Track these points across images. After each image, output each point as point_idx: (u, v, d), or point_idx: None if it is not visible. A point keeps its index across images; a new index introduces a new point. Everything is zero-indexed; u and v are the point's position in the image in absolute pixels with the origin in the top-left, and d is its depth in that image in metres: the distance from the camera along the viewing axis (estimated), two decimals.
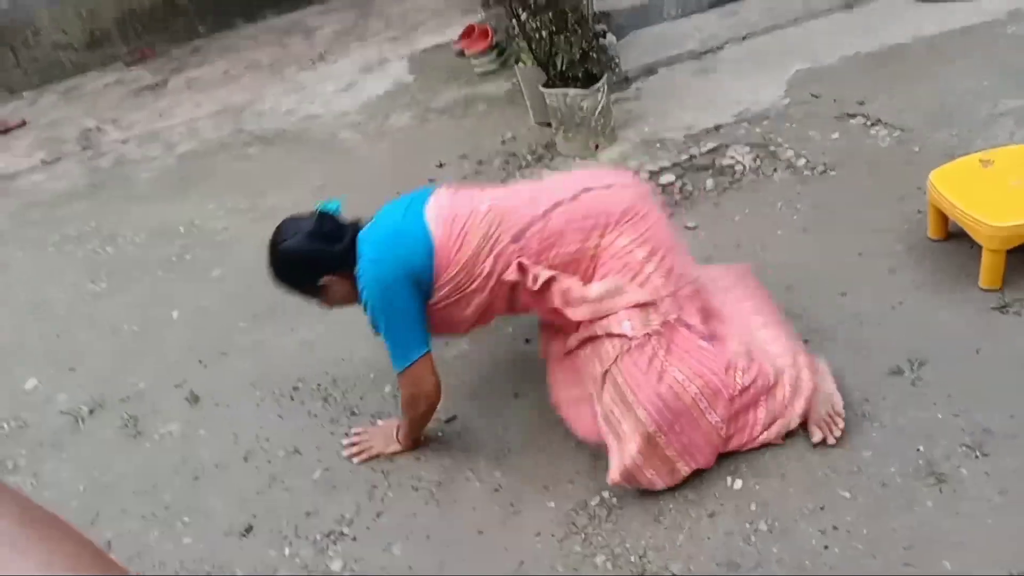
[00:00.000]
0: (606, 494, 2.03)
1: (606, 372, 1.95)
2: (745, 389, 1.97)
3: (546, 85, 3.42)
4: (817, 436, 2.00)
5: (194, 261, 3.51)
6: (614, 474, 1.95)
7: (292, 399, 2.61)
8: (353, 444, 2.35)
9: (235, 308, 3.12)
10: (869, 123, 3.18)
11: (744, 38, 4.00)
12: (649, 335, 1.92)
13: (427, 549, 2.03)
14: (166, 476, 2.45)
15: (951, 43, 3.55)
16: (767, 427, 2.01)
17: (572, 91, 3.31)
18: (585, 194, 2.02)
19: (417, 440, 2.29)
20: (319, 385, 2.64)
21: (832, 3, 4.05)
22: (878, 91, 3.34)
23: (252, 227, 3.63)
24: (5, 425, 2.83)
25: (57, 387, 2.95)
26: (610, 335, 1.94)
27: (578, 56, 3.31)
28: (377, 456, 2.30)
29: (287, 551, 2.12)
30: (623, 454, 1.93)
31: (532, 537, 1.98)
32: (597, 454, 2.13)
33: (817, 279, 2.51)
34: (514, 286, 2.01)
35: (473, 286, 1.99)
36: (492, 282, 1.99)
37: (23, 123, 5.29)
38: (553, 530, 1.99)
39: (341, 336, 2.80)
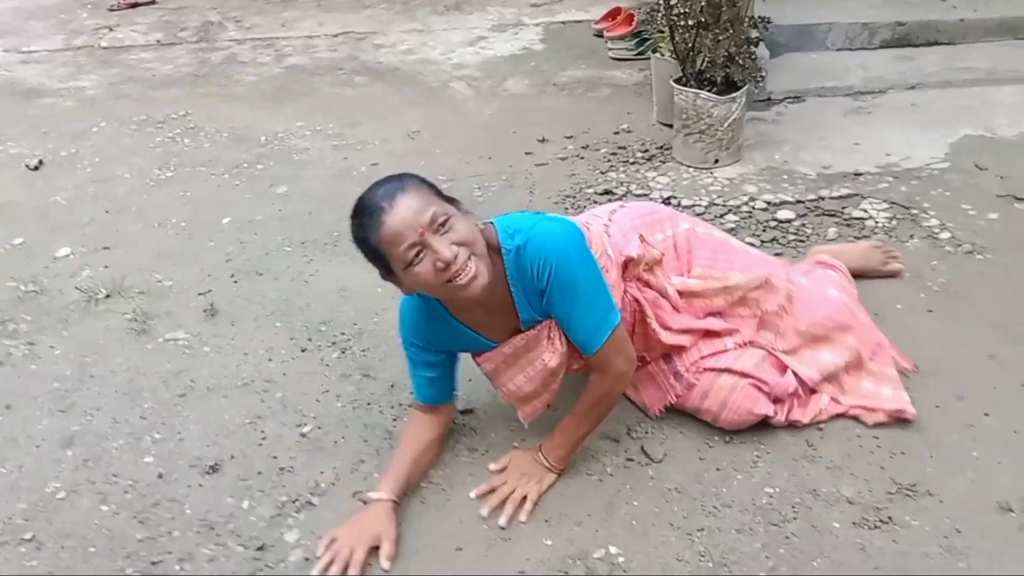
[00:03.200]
0: (614, 550, 1.69)
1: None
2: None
3: (678, 81, 3.06)
4: (896, 265, 2.42)
5: (264, 173, 3.31)
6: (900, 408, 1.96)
7: (310, 340, 2.36)
8: (494, 501, 1.81)
9: (287, 230, 2.90)
10: None
11: (913, 87, 3.53)
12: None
13: None
14: (154, 384, 2.24)
15: None
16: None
17: (705, 94, 2.95)
18: (628, 202, 2.24)
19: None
20: (342, 334, 2.38)
21: None
22: None
23: (332, 154, 3.42)
24: (22, 287, 2.67)
25: (85, 262, 2.79)
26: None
27: (722, 58, 2.94)
28: (538, 499, 1.82)
29: (246, 504, 1.86)
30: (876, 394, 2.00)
31: (513, 573, 1.67)
32: (616, 501, 1.80)
33: (931, 371, 2.10)
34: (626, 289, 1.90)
35: (611, 278, 1.82)
36: (619, 268, 1.87)
37: (153, 1, 5.23)
38: (540, 572, 1.66)
39: (383, 290, 2.54)
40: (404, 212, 1.51)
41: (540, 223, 1.69)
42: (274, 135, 3.58)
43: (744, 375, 1.91)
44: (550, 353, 1.79)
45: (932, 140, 3.17)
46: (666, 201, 2.89)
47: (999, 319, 2.25)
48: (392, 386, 2.17)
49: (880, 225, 2.71)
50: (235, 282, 2.65)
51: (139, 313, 2.49)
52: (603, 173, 3.11)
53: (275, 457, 1.98)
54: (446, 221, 1.54)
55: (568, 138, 3.37)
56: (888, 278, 2.41)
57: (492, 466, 1.90)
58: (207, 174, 3.32)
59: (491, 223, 1.71)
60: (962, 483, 1.80)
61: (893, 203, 2.81)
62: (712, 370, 1.93)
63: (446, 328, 1.79)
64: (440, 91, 3.93)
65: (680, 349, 1.95)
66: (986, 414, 1.97)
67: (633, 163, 3.16)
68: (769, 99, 3.52)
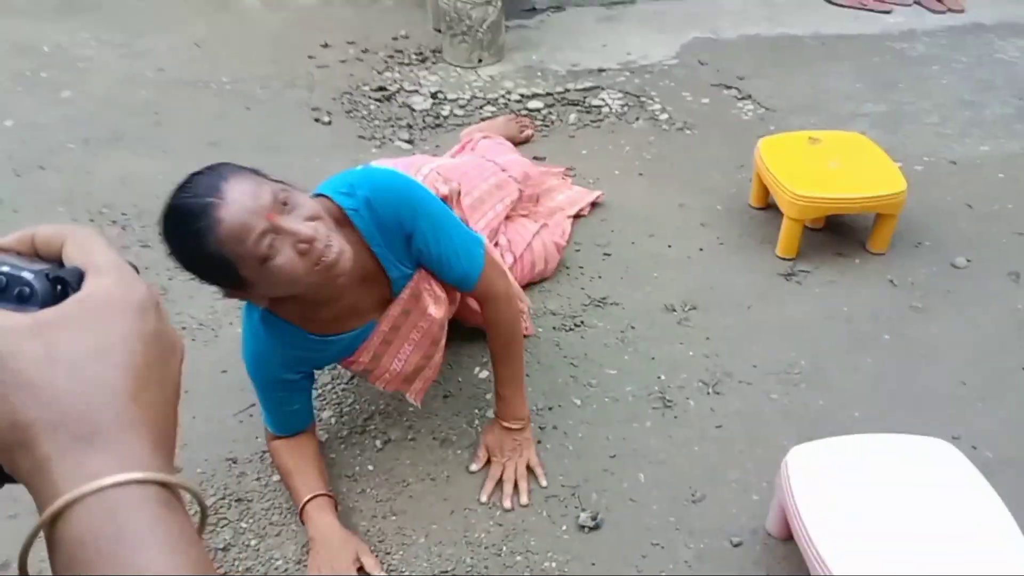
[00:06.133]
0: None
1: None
2: None
3: None
4: (528, 131, 2.91)
5: (48, 80, 3.37)
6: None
7: (91, 221, 2.54)
8: (509, 488, 1.73)
9: (71, 130, 3.01)
10: (740, 97, 3.24)
11: None
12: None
13: None
14: None
15: (842, 46, 3.63)
16: None
17: None
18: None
19: None
20: (123, 214, 2.57)
21: None
22: (759, 72, 3.40)
23: (118, 62, 3.51)
24: None
25: None
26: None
27: None
28: (539, 459, 1.80)
29: None
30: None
31: None
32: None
33: (632, 218, 2.56)
34: None
35: None
36: None
37: None
38: None
39: (166, 175, 2.73)
40: (240, 199, 1.24)
41: (368, 170, 1.54)
42: (58, 46, 3.62)
43: (537, 233, 2.26)
44: (434, 304, 1.65)
45: (667, 41, 3.65)
46: (434, 96, 3.22)
47: (691, 178, 2.75)
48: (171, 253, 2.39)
49: (613, 111, 3.15)
50: (17, 176, 2.76)
51: None
52: (380, 73, 3.39)
53: None
54: (288, 198, 1.30)
55: (350, 43, 3.62)
56: (525, 143, 2.89)
57: (474, 466, 1.79)
58: None
59: (318, 194, 1.49)
60: (641, 295, 2.27)
61: (627, 93, 3.27)
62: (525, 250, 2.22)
63: (306, 349, 1.58)
64: (228, 2, 4.05)
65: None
66: (669, 246, 2.45)
67: (408, 64, 3.47)
68: (534, 8, 3.89)
